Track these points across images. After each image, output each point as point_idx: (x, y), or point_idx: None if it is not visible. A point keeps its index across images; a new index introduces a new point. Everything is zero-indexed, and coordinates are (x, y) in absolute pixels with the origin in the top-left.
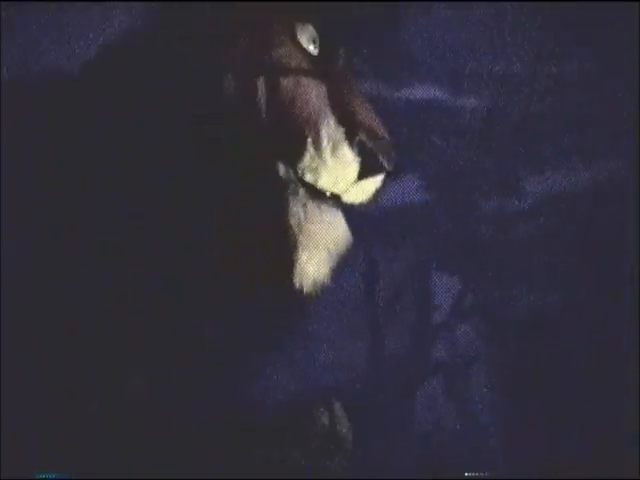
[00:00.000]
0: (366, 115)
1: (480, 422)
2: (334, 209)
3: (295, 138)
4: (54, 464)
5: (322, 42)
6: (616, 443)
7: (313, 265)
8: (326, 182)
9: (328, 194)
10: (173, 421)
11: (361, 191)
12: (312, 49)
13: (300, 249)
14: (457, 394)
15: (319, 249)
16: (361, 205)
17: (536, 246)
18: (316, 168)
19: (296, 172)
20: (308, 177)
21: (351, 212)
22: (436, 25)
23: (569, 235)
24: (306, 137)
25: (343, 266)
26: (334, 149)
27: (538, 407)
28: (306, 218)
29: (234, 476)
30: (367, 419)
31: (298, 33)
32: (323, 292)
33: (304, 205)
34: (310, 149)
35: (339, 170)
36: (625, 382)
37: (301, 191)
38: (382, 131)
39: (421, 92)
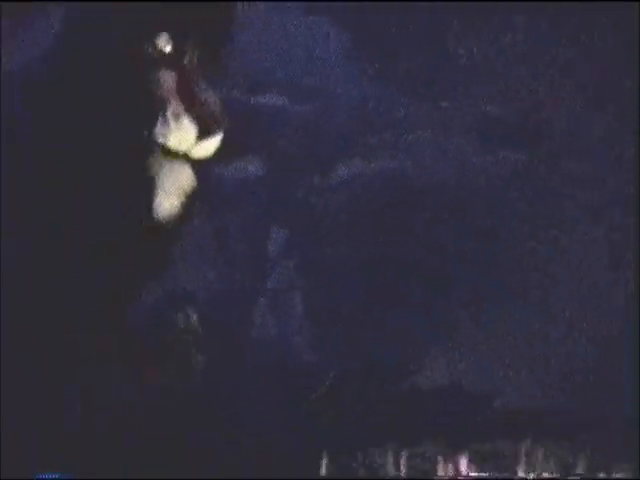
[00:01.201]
0: (202, 95)
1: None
2: (183, 165)
3: (151, 112)
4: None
5: (173, 44)
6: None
7: (166, 205)
8: (173, 142)
9: (180, 154)
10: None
11: (204, 149)
12: (167, 49)
13: (156, 193)
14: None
15: (170, 193)
16: (206, 159)
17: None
18: (164, 133)
19: (153, 136)
20: (160, 139)
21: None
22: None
23: None
24: (158, 111)
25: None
26: (176, 119)
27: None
28: (161, 171)
29: None
30: (215, 318)
31: (157, 39)
32: (178, 225)
33: (159, 162)
34: (160, 119)
35: (181, 134)
36: None
37: (158, 152)
38: (214, 105)
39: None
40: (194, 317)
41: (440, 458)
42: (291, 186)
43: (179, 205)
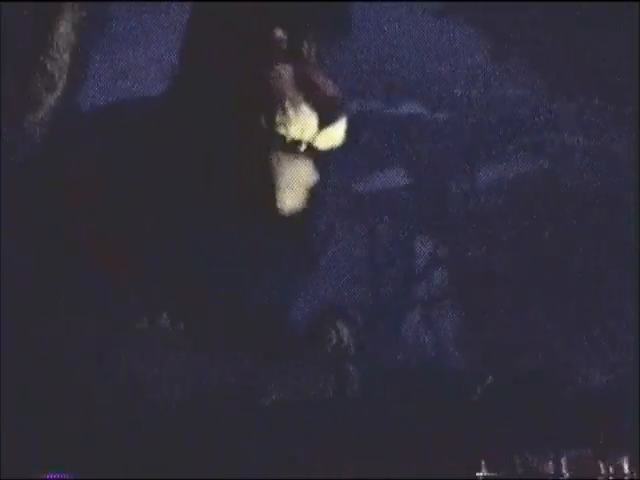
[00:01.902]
0: (320, 83)
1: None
2: (305, 158)
3: (271, 102)
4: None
5: (289, 37)
6: None
7: (289, 199)
8: (294, 131)
9: (303, 146)
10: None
11: (328, 138)
12: (284, 42)
13: (278, 187)
14: (431, 322)
15: (292, 187)
16: (332, 149)
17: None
18: (284, 122)
19: (274, 127)
20: (282, 130)
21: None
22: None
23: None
24: (278, 101)
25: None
26: (295, 107)
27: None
28: (281, 165)
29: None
30: (366, 333)
31: (274, 32)
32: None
33: (280, 155)
34: (280, 109)
35: (301, 121)
36: None
37: (279, 146)
38: (334, 92)
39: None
40: (346, 331)
41: (601, 462)
42: (436, 194)
43: (302, 200)
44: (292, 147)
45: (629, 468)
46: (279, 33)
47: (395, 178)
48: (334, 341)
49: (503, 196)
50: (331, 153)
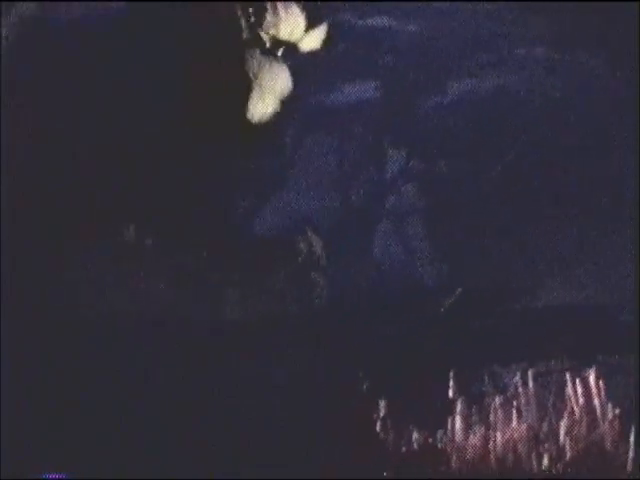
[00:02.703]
0: None
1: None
2: (282, 64)
3: (261, 4)
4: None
5: None
6: None
7: (261, 104)
8: (284, 31)
9: (281, 50)
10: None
11: (313, 40)
12: None
13: (253, 91)
14: (401, 234)
15: (266, 93)
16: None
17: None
18: (276, 23)
19: (261, 28)
20: (271, 30)
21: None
22: None
23: None
24: (269, 2)
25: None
26: (287, 8)
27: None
28: (259, 69)
29: None
30: (336, 244)
31: None
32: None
33: (258, 60)
34: (270, 10)
35: (292, 22)
36: None
37: (257, 50)
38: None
39: None
40: (316, 240)
41: (568, 374)
42: (407, 107)
43: (273, 108)
44: (271, 52)
45: (595, 380)
46: None
47: (367, 90)
48: (305, 252)
49: (474, 110)
50: (304, 63)
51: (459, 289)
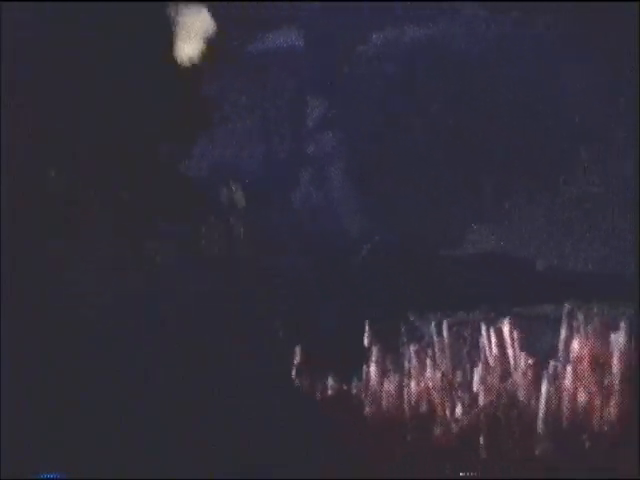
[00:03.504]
0: None
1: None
2: (200, 7)
3: None
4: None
5: None
6: None
7: (187, 46)
8: None
9: None
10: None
11: None
12: None
13: (177, 35)
14: (321, 180)
15: (190, 35)
16: None
17: None
18: None
19: None
20: None
21: None
22: None
23: None
24: None
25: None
26: None
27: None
28: (180, 14)
29: None
30: (257, 195)
31: None
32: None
33: (178, 6)
34: None
35: None
36: None
37: None
38: None
39: None
40: (238, 190)
41: (483, 325)
42: (328, 56)
43: (200, 49)
44: None
45: (509, 332)
46: None
47: (289, 38)
48: (226, 199)
49: (393, 61)
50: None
51: (376, 237)
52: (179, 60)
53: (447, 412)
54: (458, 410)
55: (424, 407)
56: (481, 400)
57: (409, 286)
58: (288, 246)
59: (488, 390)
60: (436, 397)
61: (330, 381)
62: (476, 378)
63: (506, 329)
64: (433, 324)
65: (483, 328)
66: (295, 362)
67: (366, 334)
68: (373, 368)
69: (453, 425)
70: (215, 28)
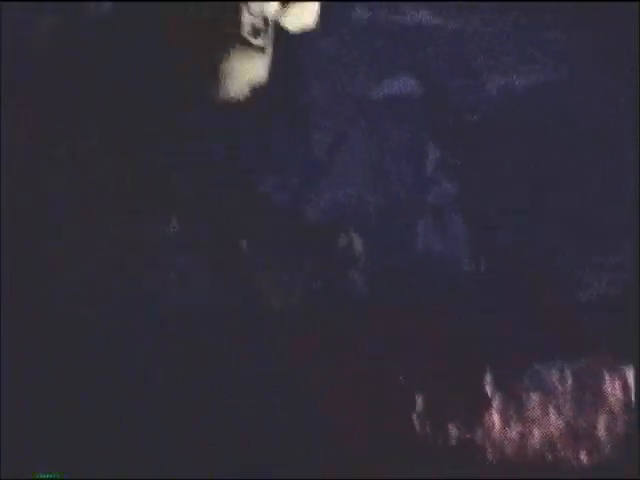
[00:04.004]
0: None
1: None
2: (260, 55)
3: None
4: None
5: None
6: None
7: (236, 88)
8: (254, 8)
9: (260, 41)
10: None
11: (297, 16)
12: None
13: (226, 76)
14: (440, 227)
15: (240, 79)
16: (304, 30)
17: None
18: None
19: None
20: (244, 7)
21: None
22: None
23: None
24: None
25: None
26: None
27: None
28: (234, 57)
29: None
30: (376, 242)
31: None
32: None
33: (234, 48)
34: None
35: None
36: None
37: (237, 44)
38: None
39: None
40: (355, 237)
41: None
42: (444, 101)
43: (246, 93)
44: (249, 39)
45: (635, 379)
46: None
47: (405, 85)
48: (344, 245)
49: (510, 107)
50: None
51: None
52: (226, 93)
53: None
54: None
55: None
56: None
57: (533, 333)
58: (408, 292)
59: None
60: (560, 445)
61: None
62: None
63: (630, 375)
64: (556, 372)
65: (606, 375)
66: (417, 410)
67: (488, 382)
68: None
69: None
70: (265, 75)
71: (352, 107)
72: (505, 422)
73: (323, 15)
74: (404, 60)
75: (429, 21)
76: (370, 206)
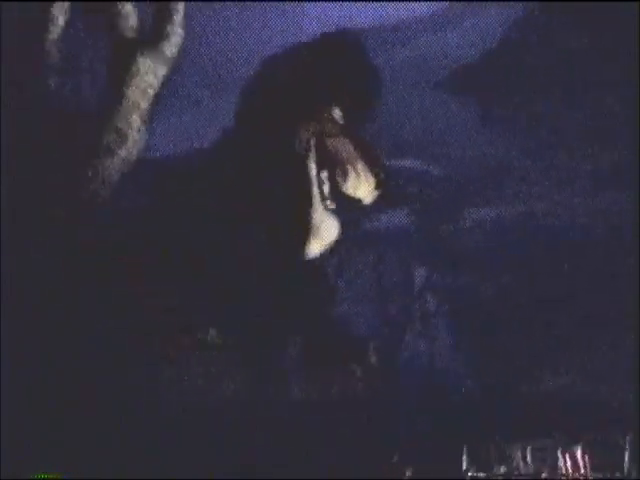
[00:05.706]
0: (372, 151)
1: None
2: (335, 217)
3: (342, 169)
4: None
5: (345, 116)
6: None
7: (316, 246)
8: (362, 193)
9: (334, 204)
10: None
11: (372, 196)
12: (340, 121)
13: (312, 236)
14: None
15: (322, 238)
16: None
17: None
18: (356, 185)
19: (343, 189)
20: (350, 191)
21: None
22: None
23: None
24: (348, 169)
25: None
26: (366, 174)
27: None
28: (319, 219)
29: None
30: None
31: (332, 111)
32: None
33: (321, 213)
34: (353, 175)
35: (368, 185)
36: None
37: (322, 205)
38: (380, 158)
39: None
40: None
41: (559, 450)
42: (430, 231)
43: (324, 249)
44: (328, 208)
45: (581, 455)
46: (337, 111)
47: (398, 218)
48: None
49: (485, 235)
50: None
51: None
52: (307, 256)
53: None
54: None
55: None
56: None
57: (498, 417)
58: (406, 386)
59: None
60: None
61: None
62: None
63: (579, 453)
64: (519, 450)
65: (559, 453)
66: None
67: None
68: None
69: None
70: (341, 233)
71: (355, 235)
72: None
73: None
74: (396, 197)
75: (416, 166)
76: None
